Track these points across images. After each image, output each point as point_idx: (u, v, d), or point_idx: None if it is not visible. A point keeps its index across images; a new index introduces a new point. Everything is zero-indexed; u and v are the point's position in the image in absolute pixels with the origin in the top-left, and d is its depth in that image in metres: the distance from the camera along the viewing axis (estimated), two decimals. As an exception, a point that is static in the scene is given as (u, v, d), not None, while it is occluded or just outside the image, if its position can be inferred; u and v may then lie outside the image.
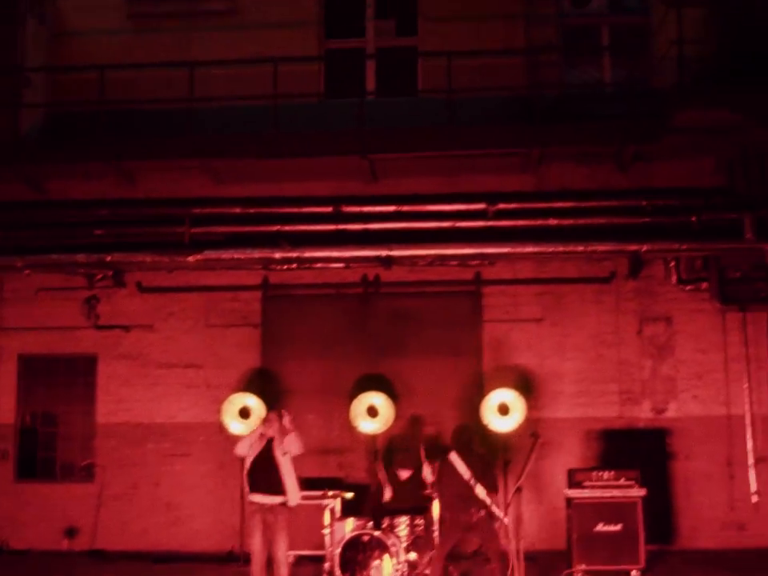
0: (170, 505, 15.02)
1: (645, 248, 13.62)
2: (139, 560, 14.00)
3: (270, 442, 11.08)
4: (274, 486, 10.84)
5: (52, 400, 15.61)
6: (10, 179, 14.90)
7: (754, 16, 14.19)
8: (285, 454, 10.99)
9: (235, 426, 13.43)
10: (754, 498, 14.17)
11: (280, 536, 10.82)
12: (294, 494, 10.90)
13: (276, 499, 10.85)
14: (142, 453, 15.18)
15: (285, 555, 10.85)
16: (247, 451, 11.14)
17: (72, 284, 15.15)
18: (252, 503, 11.01)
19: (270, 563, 10.94)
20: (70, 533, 15.01)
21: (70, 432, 15.54)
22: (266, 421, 11.38)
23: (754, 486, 14.17)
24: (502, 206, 14.08)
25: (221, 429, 14.23)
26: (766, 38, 13.87)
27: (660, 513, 13.67)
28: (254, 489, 10.96)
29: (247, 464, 11.11)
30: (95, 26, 16.13)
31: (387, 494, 12.51)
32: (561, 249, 13.77)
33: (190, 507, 14.99)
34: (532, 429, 12.47)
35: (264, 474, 10.87)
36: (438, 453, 12.39)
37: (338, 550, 11.09)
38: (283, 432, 11.14)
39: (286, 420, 11.23)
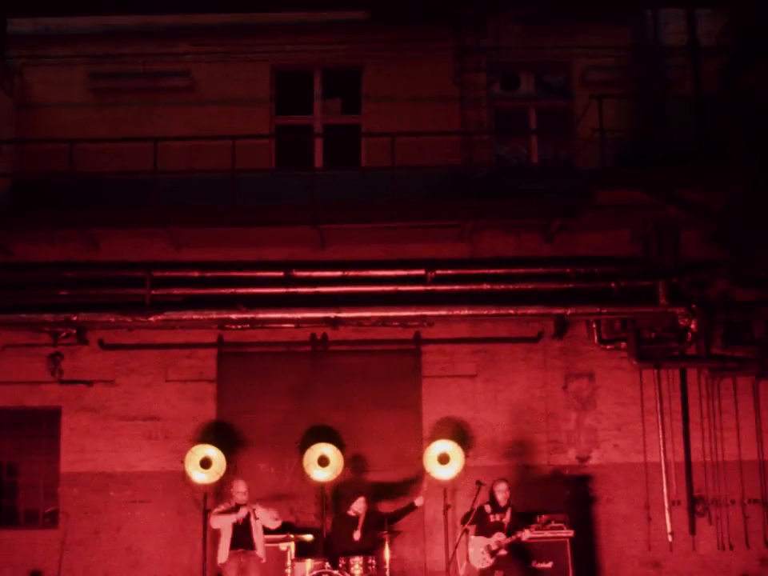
0: (130, 549, 15.87)
1: (569, 311, 14.91)
2: (103, 601, 14.96)
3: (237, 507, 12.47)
4: (249, 543, 12.17)
5: (17, 450, 16.38)
6: (-22, 243, 15.84)
7: (664, 109, 15.79)
8: (257, 519, 12.36)
9: (198, 475, 14.51)
10: (670, 538, 15.38)
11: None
12: (261, 549, 12.25)
13: (250, 552, 12.10)
14: (104, 500, 16.01)
15: None
16: (223, 525, 12.38)
17: (37, 341, 15.94)
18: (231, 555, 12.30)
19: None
20: (35, 576, 15.93)
21: (34, 481, 16.31)
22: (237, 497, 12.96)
23: (669, 527, 15.38)
24: (439, 272, 15.30)
25: (180, 477, 15.42)
26: (674, 128, 15.46)
27: (585, 551, 14.84)
28: (234, 546, 12.37)
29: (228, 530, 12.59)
30: (59, 99, 17.18)
31: (357, 536, 13.42)
32: (493, 311, 15.00)
33: (150, 551, 15.86)
34: (473, 477, 13.90)
35: (242, 537, 12.22)
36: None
37: (299, 590, 12.31)
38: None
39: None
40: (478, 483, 12.53)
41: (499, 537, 12.21)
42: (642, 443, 15.90)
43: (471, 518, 12.66)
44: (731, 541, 15.66)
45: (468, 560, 12.62)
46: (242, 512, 12.94)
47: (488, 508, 12.66)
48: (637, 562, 15.70)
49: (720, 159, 14.70)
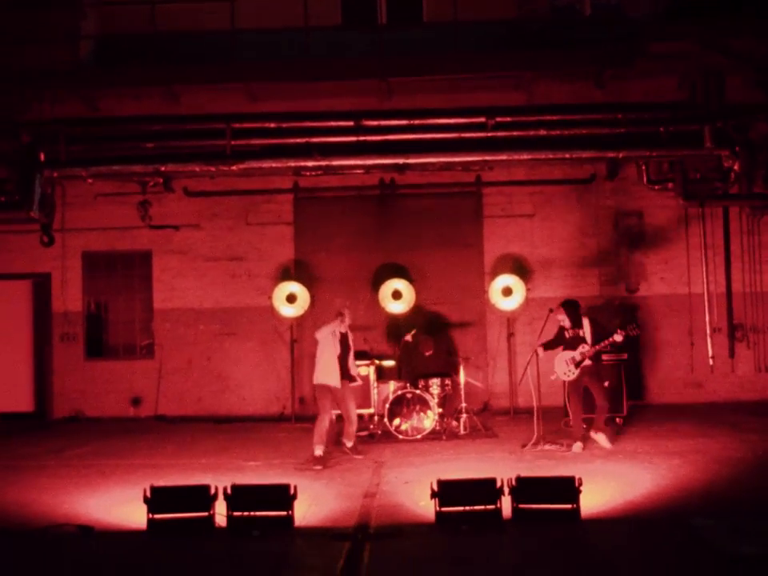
0: (220, 376, 17.64)
1: (621, 154, 15.84)
2: (200, 422, 16.64)
3: (344, 336, 13.00)
4: (345, 372, 12.87)
5: (113, 290, 18.03)
6: (69, 100, 16.94)
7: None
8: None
9: (285, 309, 16.01)
10: (711, 362, 16.76)
11: (349, 401, 12.84)
12: (355, 370, 13.19)
13: (345, 382, 12.86)
14: (195, 333, 17.72)
15: (354, 414, 12.89)
16: (325, 337, 12.82)
17: (126, 190, 17.31)
18: (325, 385, 12.70)
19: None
20: (135, 402, 17.61)
21: (131, 317, 18.01)
22: (340, 317, 12.92)
23: (710, 352, 16.72)
24: (499, 119, 15.98)
25: (263, 312, 17.08)
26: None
27: (633, 374, 16.12)
28: (330, 376, 12.68)
29: (327, 356, 12.70)
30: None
31: (428, 352, 14.74)
32: (550, 155, 15.92)
33: (238, 378, 17.61)
34: (532, 308, 15.27)
35: (340, 364, 12.75)
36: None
37: (388, 405, 13.80)
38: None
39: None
40: (551, 310, 13.36)
41: (583, 348, 12.66)
42: (687, 276, 17.28)
43: (540, 341, 13.35)
44: (767, 363, 17.17)
45: (556, 374, 13.04)
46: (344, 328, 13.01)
47: (566, 326, 13.02)
48: (680, 383, 17.26)
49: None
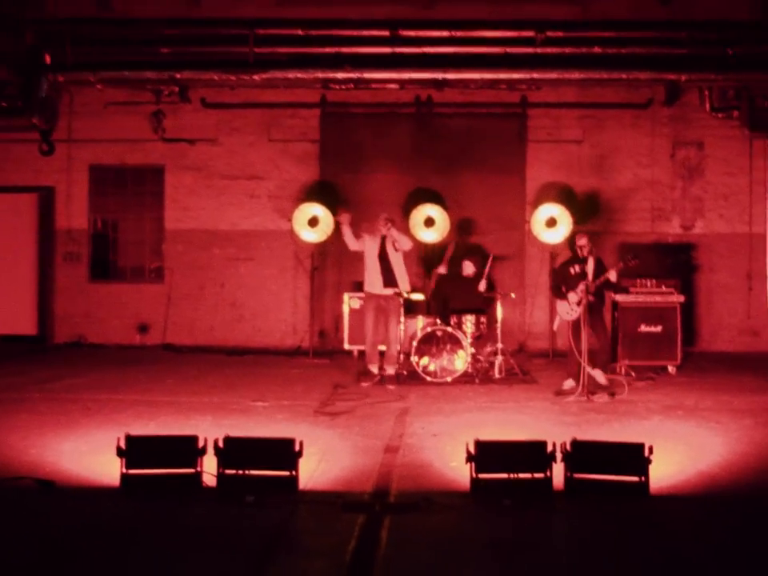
0: (234, 304, 16.37)
1: (683, 77, 14.25)
2: (210, 353, 15.39)
3: (382, 240, 12.45)
4: (388, 279, 12.35)
5: (122, 208, 16.73)
6: (78, -3, 15.55)
7: None
8: (396, 250, 12.40)
9: (306, 234, 14.65)
10: (769, 308, 15.50)
11: (393, 319, 12.38)
12: (405, 285, 12.48)
13: (389, 291, 12.35)
14: (208, 257, 16.42)
15: (397, 335, 12.34)
16: (358, 247, 12.60)
17: (139, 99, 15.81)
18: (369, 294, 12.54)
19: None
20: (142, 329, 16.38)
21: (140, 237, 16.72)
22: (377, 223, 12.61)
23: (770, 297, 15.49)
24: (549, 33, 14.40)
25: (282, 236, 15.76)
26: None
27: (685, 318, 14.84)
28: (369, 282, 12.50)
29: (367, 262, 12.56)
30: None
31: (482, 286, 13.22)
32: (605, 76, 14.38)
33: (253, 307, 16.34)
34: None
35: (382, 268, 12.41)
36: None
37: (415, 342, 12.41)
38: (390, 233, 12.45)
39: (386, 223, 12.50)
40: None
41: (582, 286, 11.49)
42: (748, 214, 15.88)
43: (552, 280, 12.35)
44: (831, 311, 15.75)
45: (558, 315, 12.11)
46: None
47: (583, 253, 11.89)
48: (735, 330, 15.92)
49: None
